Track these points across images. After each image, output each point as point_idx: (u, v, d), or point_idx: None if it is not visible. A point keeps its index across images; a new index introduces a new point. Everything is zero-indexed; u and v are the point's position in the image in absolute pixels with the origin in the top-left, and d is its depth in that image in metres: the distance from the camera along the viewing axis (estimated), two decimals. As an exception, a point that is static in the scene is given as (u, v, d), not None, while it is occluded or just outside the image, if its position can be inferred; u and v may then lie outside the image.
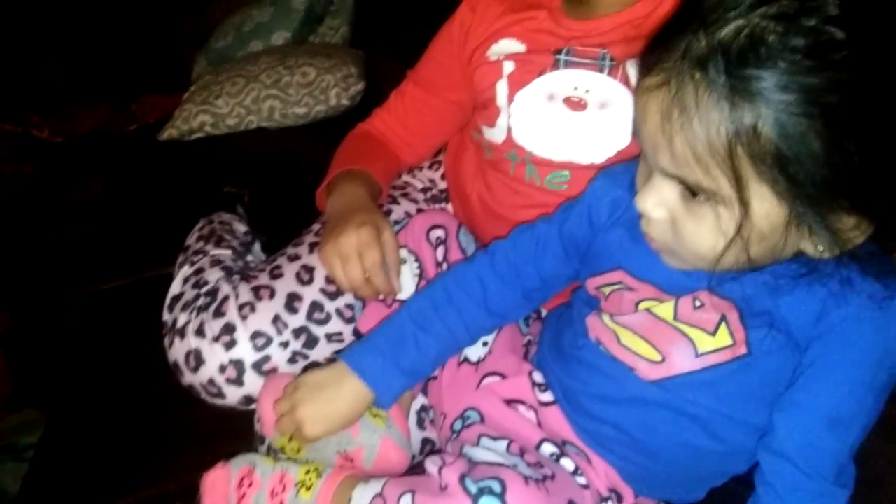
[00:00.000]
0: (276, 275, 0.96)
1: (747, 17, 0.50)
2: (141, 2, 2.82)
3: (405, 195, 1.15)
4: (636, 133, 0.59)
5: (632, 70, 0.87)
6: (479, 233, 1.04)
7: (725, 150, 0.51)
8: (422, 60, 1.12)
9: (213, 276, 0.99)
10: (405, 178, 1.20)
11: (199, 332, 0.92)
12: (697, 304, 0.67)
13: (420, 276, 0.91)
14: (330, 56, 1.94)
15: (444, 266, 0.92)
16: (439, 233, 0.94)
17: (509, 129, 0.94)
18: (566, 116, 0.90)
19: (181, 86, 2.16)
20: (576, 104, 0.89)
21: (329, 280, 0.96)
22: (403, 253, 0.92)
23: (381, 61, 1.96)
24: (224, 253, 1.06)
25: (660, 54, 0.55)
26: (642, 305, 0.71)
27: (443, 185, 1.18)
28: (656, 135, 0.55)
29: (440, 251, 0.93)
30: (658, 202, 0.59)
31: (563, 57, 0.91)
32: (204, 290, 0.97)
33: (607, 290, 0.75)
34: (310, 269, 0.97)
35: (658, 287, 0.70)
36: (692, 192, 0.56)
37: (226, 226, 1.16)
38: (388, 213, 1.10)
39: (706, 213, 0.56)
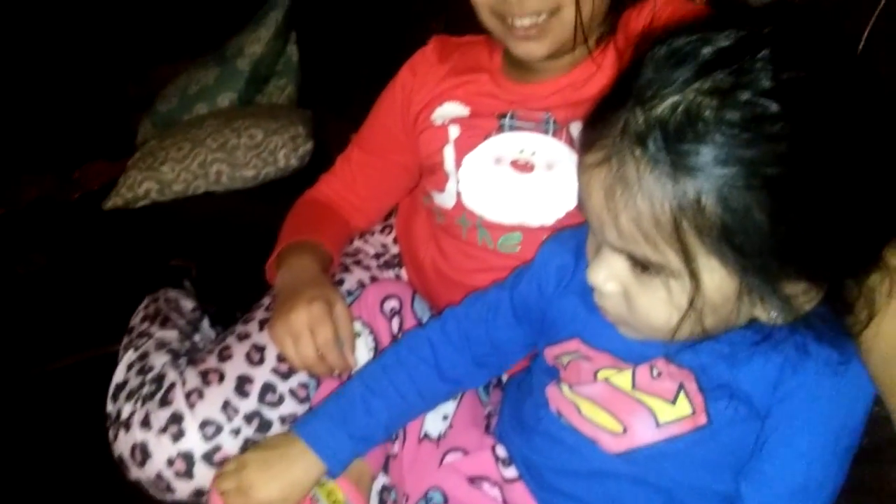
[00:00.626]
0: (224, 356, 0.93)
1: (682, 92, 0.50)
2: (85, 65, 2.77)
3: (357, 262, 1.13)
4: (581, 208, 0.59)
5: (576, 130, 0.87)
6: (433, 299, 1.02)
7: (671, 225, 0.51)
8: (366, 124, 1.11)
9: (159, 360, 0.95)
10: (357, 243, 1.18)
11: (145, 423, 0.88)
12: (655, 372, 0.66)
13: (375, 350, 0.89)
14: (277, 117, 1.93)
15: (400, 337, 0.90)
16: (393, 303, 0.92)
17: (459, 194, 0.93)
18: (514, 179, 0.90)
19: (127, 151, 2.12)
20: (523, 166, 0.89)
21: (281, 359, 0.93)
22: (357, 326, 0.90)
23: (329, 120, 1.95)
24: (170, 334, 1.02)
25: (599, 131, 0.55)
26: (601, 375, 0.70)
27: (395, 249, 1.16)
28: (601, 212, 0.55)
29: (395, 322, 0.91)
30: (609, 276, 0.58)
31: (507, 121, 0.91)
32: (149, 376, 0.92)
33: (565, 359, 0.74)
34: (260, 349, 0.94)
35: (615, 356, 0.69)
36: (642, 265, 0.55)
37: (172, 304, 1.12)
38: (341, 282, 1.07)
39: (657, 286, 0.55)
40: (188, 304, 1.16)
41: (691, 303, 0.54)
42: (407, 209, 1.12)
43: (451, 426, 0.84)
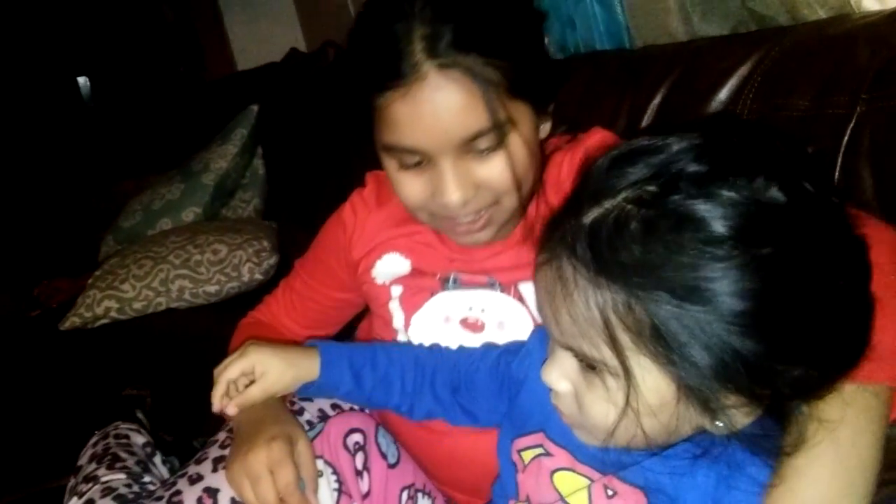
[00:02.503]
0: (174, 502, 0.86)
1: (615, 201, 0.53)
2: (48, 180, 2.77)
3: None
4: (537, 307, 0.61)
5: (524, 288, 0.86)
6: (395, 429, 0.98)
7: (602, 324, 0.52)
8: (309, 255, 1.07)
9: (104, 510, 0.88)
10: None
11: (86, 584, 0.80)
12: (610, 492, 0.64)
13: (339, 491, 0.84)
14: (241, 231, 1.91)
15: (365, 475, 0.86)
16: (357, 437, 0.88)
17: None
18: (465, 339, 0.87)
19: (89, 267, 2.09)
20: (473, 325, 0.87)
21: (237, 503, 0.87)
22: (320, 464, 0.85)
23: (296, 232, 1.95)
24: (117, 479, 0.95)
25: (548, 234, 0.58)
26: (557, 476, 0.68)
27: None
28: (546, 309, 0.58)
29: (359, 458, 0.87)
30: (561, 375, 0.59)
31: (451, 280, 0.89)
32: (92, 530, 0.86)
33: (528, 455, 0.72)
34: (213, 492, 0.87)
35: (573, 455, 0.68)
36: (587, 363, 0.56)
37: (122, 440, 1.06)
38: (300, 412, 1.02)
39: (600, 384, 0.56)
40: (140, 440, 1.10)
41: (626, 401, 0.54)
42: (365, 333, 1.09)
43: None
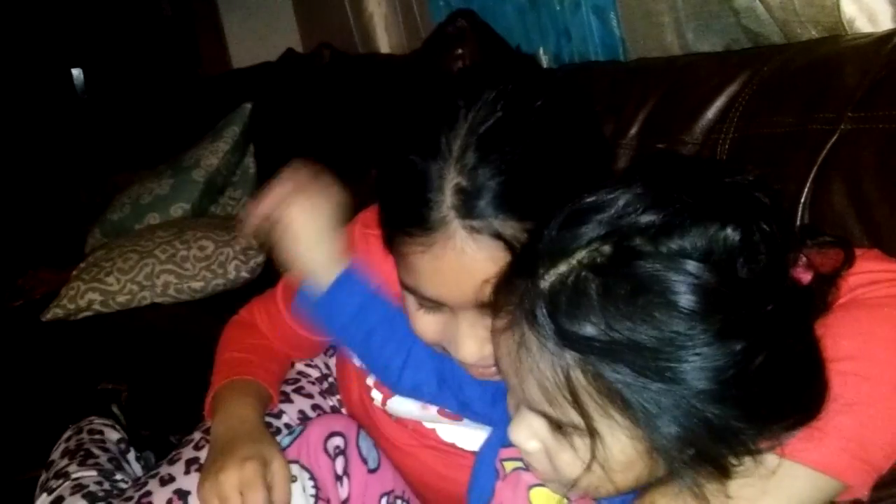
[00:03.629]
0: (143, 504, 0.85)
1: (570, 263, 0.51)
2: (37, 171, 2.75)
3: (299, 390, 1.07)
4: (497, 368, 0.59)
5: None
6: (374, 432, 0.97)
7: (570, 391, 0.51)
8: (292, 290, 0.96)
9: (72, 507, 0.87)
10: (299, 367, 1.12)
11: (50, 581, 0.79)
12: None
13: (316, 497, 0.83)
14: (229, 228, 1.90)
15: (346, 479, 0.85)
16: (338, 441, 0.87)
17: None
18: (443, 427, 0.87)
19: (75, 259, 2.07)
20: (450, 415, 0.84)
21: (207, 506, 0.86)
22: (295, 469, 0.84)
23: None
24: (88, 476, 0.94)
25: (505, 297, 0.56)
26: (533, 492, 0.68)
27: (339, 373, 1.11)
28: (511, 375, 0.56)
29: (339, 462, 0.86)
30: (530, 434, 0.58)
31: None
32: (60, 526, 0.85)
33: (509, 465, 0.71)
34: (184, 495, 0.86)
35: None
36: (557, 424, 0.55)
37: (96, 435, 1.05)
38: (280, 414, 1.01)
39: (569, 444, 0.56)
40: (114, 436, 1.09)
41: (593, 460, 0.53)
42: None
43: None
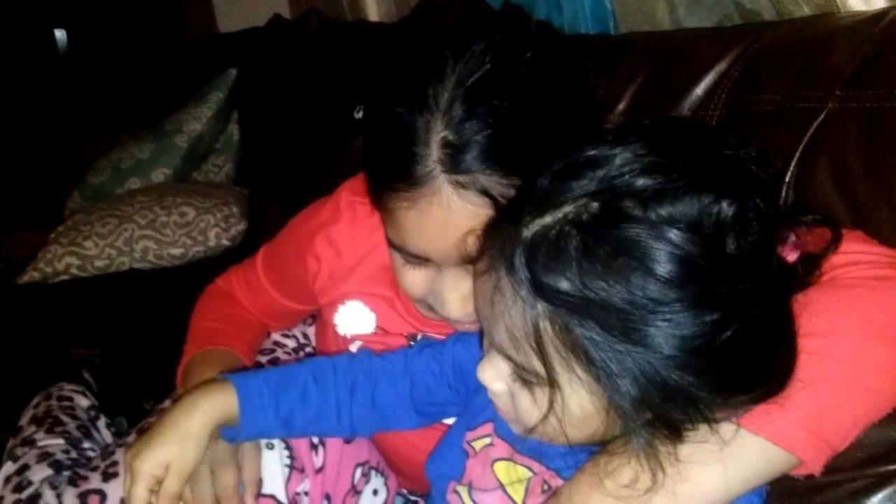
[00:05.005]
0: (109, 474, 0.84)
1: (556, 216, 0.51)
2: (17, 132, 2.70)
3: (274, 361, 1.05)
4: (475, 311, 0.60)
5: None
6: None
7: (536, 341, 0.52)
8: (272, 254, 0.99)
9: (38, 475, 0.86)
10: (275, 336, 1.10)
11: (13, 549, 0.78)
12: (546, 487, 0.64)
13: (291, 467, 0.82)
14: (210, 195, 1.88)
15: (321, 448, 0.84)
16: None
17: None
18: None
19: (55, 222, 2.04)
20: None
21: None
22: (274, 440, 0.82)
23: (266, 201, 1.91)
24: (55, 444, 0.93)
25: (489, 241, 0.56)
26: (497, 466, 0.68)
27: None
28: (483, 317, 0.57)
29: None
30: (495, 376, 0.59)
31: (418, 340, 0.85)
32: (25, 494, 0.83)
33: (479, 444, 0.72)
34: (152, 464, 0.85)
35: (512, 446, 0.68)
36: (521, 370, 0.56)
37: (65, 402, 1.04)
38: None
39: (528, 392, 0.56)
40: (84, 402, 1.07)
41: (549, 410, 0.54)
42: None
43: None
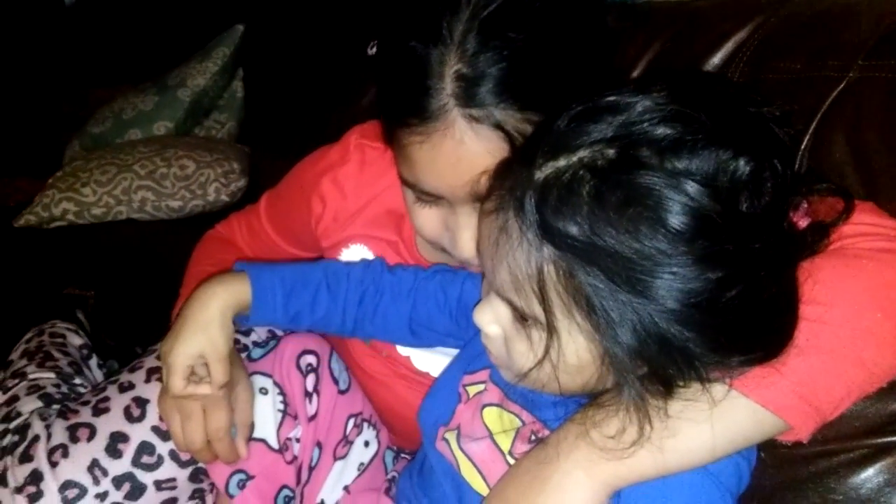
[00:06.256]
0: (100, 409, 0.83)
1: (570, 160, 0.50)
2: (20, 79, 2.67)
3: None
4: (478, 250, 0.60)
5: None
6: (348, 360, 0.95)
7: (539, 284, 0.51)
8: (276, 199, 0.99)
9: (27, 406, 0.85)
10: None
11: (2, 479, 0.78)
12: (533, 438, 0.64)
13: (284, 412, 0.81)
14: (212, 150, 1.85)
15: (315, 396, 0.84)
16: (310, 359, 0.85)
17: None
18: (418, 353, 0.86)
19: (52, 169, 2.01)
20: None
21: (165, 416, 0.84)
22: (267, 383, 0.82)
23: (268, 159, 1.89)
24: (46, 377, 0.92)
25: (500, 181, 0.56)
26: (486, 411, 0.69)
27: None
28: (487, 257, 0.56)
29: (311, 380, 0.84)
30: (493, 319, 0.59)
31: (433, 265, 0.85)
32: (13, 425, 0.83)
33: (472, 390, 0.73)
34: (142, 403, 0.85)
35: (503, 391, 0.68)
36: (521, 314, 0.55)
37: (57, 339, 1.03)
38: (249, 332, 1.00)
39: (526, 336, 0.56)
40: (76, 341, 1.06)
41: (545, 356, 0.54)
42: None
43: (348, 492, 0.81)
